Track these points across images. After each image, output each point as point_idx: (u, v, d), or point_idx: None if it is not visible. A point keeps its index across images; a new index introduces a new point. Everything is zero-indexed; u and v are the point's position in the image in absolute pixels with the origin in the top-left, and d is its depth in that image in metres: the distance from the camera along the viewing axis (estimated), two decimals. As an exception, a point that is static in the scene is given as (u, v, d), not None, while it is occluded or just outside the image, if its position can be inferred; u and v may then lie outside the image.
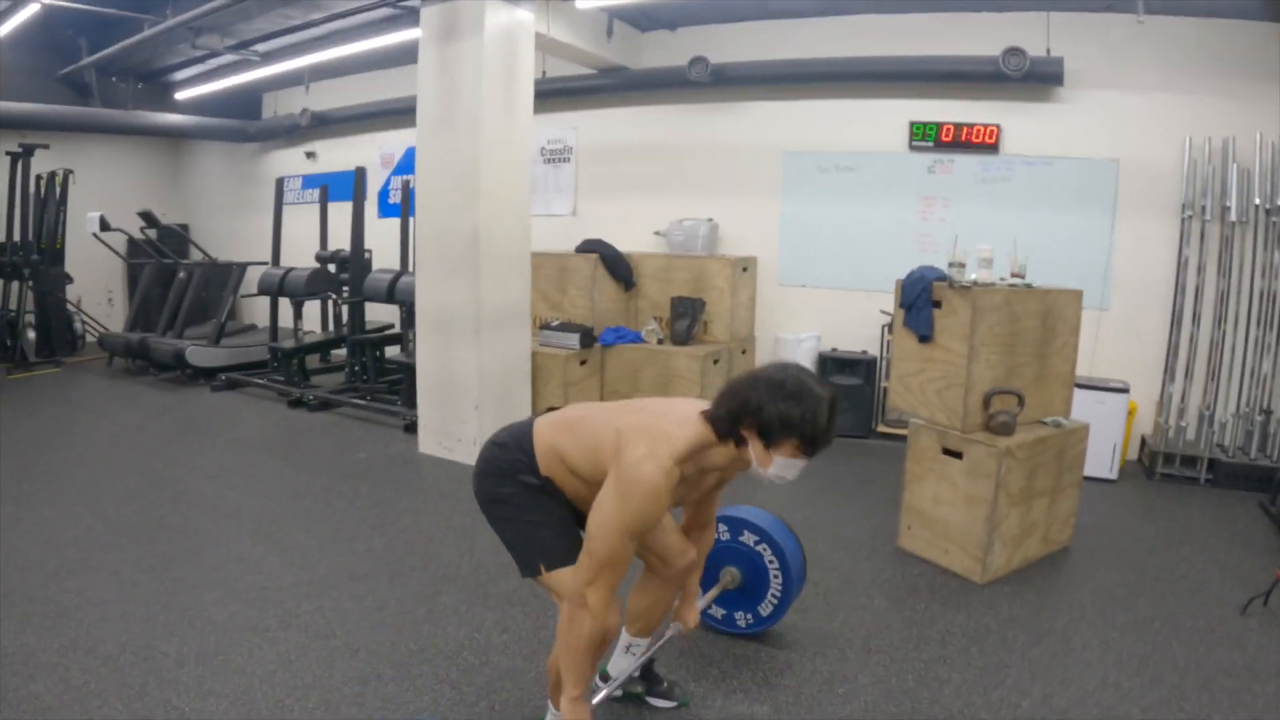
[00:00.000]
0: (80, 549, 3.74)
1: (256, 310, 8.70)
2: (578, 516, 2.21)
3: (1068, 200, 5.62)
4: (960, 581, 3.68)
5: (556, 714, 2.34)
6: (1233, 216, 5.18)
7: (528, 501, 2.18)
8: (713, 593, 2.98)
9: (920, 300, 3.89)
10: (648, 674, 2.70)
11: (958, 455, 3.74)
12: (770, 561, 2.99)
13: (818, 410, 1.91)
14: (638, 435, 1.98)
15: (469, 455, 5.14)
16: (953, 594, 3.57)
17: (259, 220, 8.67)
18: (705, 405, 2.07)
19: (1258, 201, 5.12)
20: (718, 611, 3.12)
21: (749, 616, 3.08)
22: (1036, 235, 5.14)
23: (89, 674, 2.73)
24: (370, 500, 4.50)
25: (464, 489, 4.59)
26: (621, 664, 2.64)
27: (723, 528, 2.97)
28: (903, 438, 5.99)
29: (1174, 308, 5.42)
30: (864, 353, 6.18)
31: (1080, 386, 4.37)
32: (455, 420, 5.24)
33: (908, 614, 3.38)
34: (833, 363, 6.11)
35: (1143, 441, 5.52)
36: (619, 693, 2.69)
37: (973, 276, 3.79)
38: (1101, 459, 4.99)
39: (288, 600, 3.30)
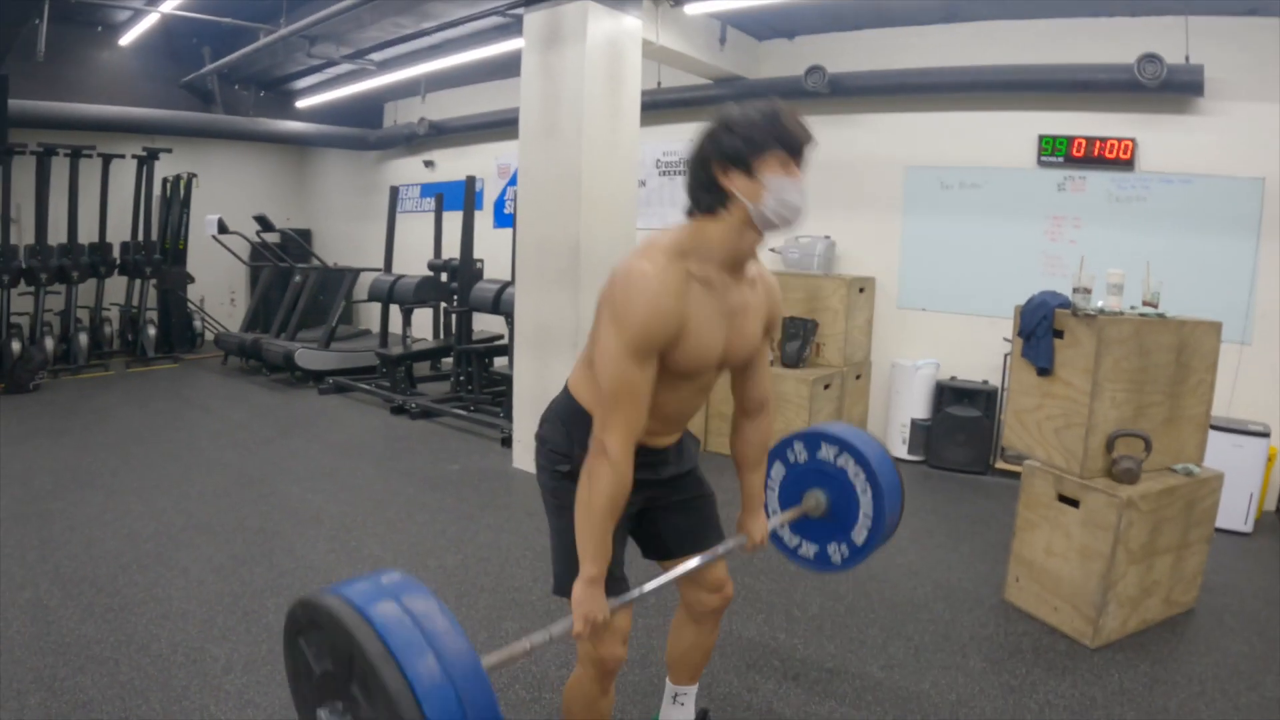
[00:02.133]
0: (157, 544, 3.80)
1: (372, 316, 8.89)
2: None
3: (1208, 222, 4.98)
4: (1068, 644, 3.22)
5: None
6: None
7: (565, 502, 1.84)
8: (790, 514, 2.52)
9: (1040, 329, 3.46)
10: (703, 720, 2.42)
11: (1074, 503, 3.29)
12: (855, 475, 2.47)
13: (769, 109, 1.67)
14: (619, 264, 1.72)
15: (563, 471, 5.00)
16: (1058, 658, 3.12)
17: (378, 227, 8.88)
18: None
19: None
20: (808, 550, 2.63)
21: (844, 549, 2.55)
22: (1173, 260, 4.57)
23: (136, 671, 2.72)
24: (454, 514, 4.40)
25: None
26: (673, 715, 2.37)
27: (799, 446, 2.52)
28: (1017, 474, 5.49)
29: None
30: (984, 383, 5.69)
31: (1216, 429, 3.81)
32: (550, 437, 5.08)
33: (1006, 678, 2.98)
34: (950, 392, 5.65)
35: (1281, 493, 4.80)
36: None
37: (1100, 304, 3.34)
38: (1235, 509, 4.38)
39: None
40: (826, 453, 2.52)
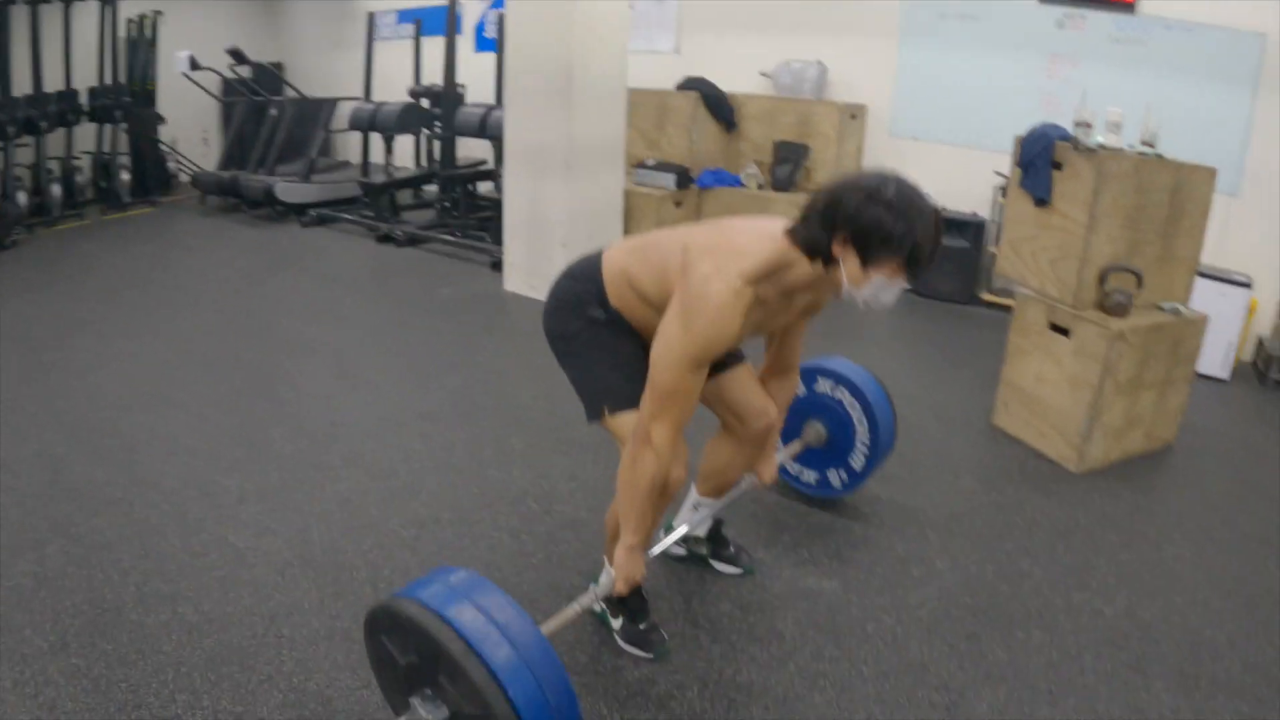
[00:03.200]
0: (156, 384, 3.64)
1: (351, 146, 8.45)
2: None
3: (1206, 72, 4.70)
4: (1054, 468, 3.29)
5: (610, 571, 2.15)
6: None
7: (593, 338, 1.94)
8: (794, 447, 2.68)
9: (1040, 160, 3.33)
10: (715, 536, 2.46)
11: (1065, 332, 3.27)
12: (851, 406, 2.64)
13: (923, 223, 1.55)
14: (706, 252, 1.68)
15: (553, 293, 4.93)
16: (1044, 481, 3.19)
17: (353, 56, 8.25)
18: (789, 222, 1.70)
19: None
20: (810, 476, 2.82)
21: (843, 474, 2.74)
22: (1168, 106, 4.27)
23: (151, 508, 2.62)
24: (450, 338, 4.31)
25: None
26: (691, 519, 2.42)
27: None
28: (1008, 308, 5.50)
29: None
30: (974, 214, 5.53)
31: (1201, 275, 3.72)
32: (542, 258, 4.96)
33: (995, 497, 3.04)
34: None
35: (1259, 343, 4.84)
36: (683, 551, 2.48)
37: (1100, 139, 3.20)
38: (1214, 356, 4.39)
39: (355, 438, 3.16)
40: (823, 386, 2.69)
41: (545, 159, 4.80)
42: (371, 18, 7.35)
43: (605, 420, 1.94)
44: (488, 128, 6.09)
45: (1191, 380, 3.51)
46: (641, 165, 5.60)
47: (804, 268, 1.66)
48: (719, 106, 5.89)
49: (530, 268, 5.06)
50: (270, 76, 7.77)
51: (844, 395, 2.65)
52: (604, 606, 2.15)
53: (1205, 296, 3.91)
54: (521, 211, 5.04)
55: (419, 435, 3.21)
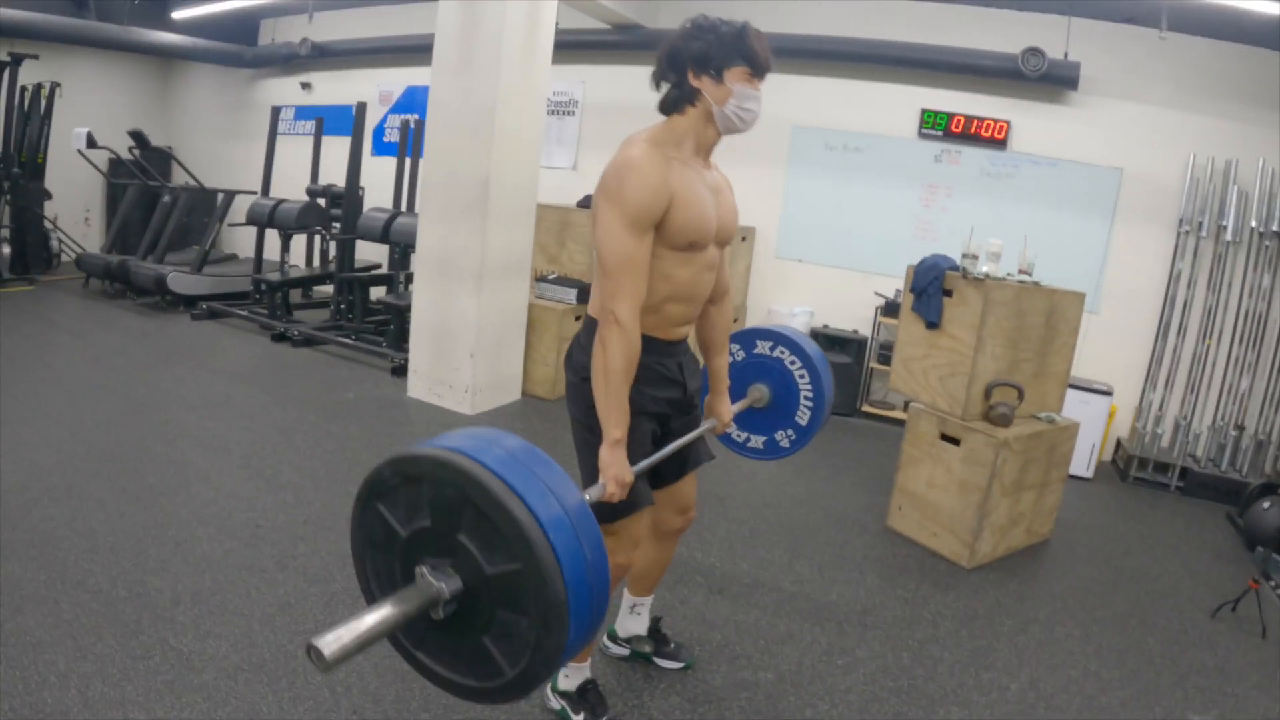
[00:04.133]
0: (63, 475, 3.56)
1: (236, 240, 8.39)
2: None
3: (1069, 203, 5.62)
4: (948, 565, 3.70)
5: (572, 665, 2.30)
6: (1228, 236, 5.25)
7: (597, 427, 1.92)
8: (740, 404, 2.72)
9: (932, 287, 3.85)
10: (656, 634, 2.67)
11: (955, 442, 3.74)
12: (791, 363, 2.73)
13: (740, 28, 1.91)
14: (606, 166, 1.88)
15: (460, 403, 5.05)
16: (941, 576, 3.59)
17: (245, 148, 8.36)
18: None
19: (1254, 224, 5.19)
20: (757, 441, 2.86)
21: (790, 433, 2.80)
22: (1035, 234, 5.10)
23: (80, 608, 2.58)
24: (361, 443, 4.37)
25: None
26: (630, 625, 2.60)
27: (735, 347, 2.73)
28: (887, 419, 6.05)
29: (1161, 318, 5.49)
30: (855, 332, 6.17)
31: (1069, 386, 4.38)
32: (448, 367, 5.13)
33: (899, 592, 3.39)
34: (824, 339, 6.08)
35: (1118, 444, 5.60)
36: (626, 651, 2.66)
37: (985, 269, 3.75)
38: (1080, 457, 5.04)
39: (283, 540, 3.18)
40: (762, 348, 2.75)
41: (457, 268, 5.02)
42: (276, 112, 7.47)
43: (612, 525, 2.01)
44: (392, 233, 6.26)
45: (1065, 480, 4.04)
46: (543, 279, 5.86)
47: (685, 123, 1.95)
48: (618, 225, 6.29)
49: (435, 376, 5.20)
50: (161, 161, 7.69)
51: (784, 354, 2.73)
52: (564, 705, 2.28)
53: (1071, 404, 4.53)
54: (429, 319, 5.20)
55: (346, 540, 3.21)
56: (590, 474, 1.98)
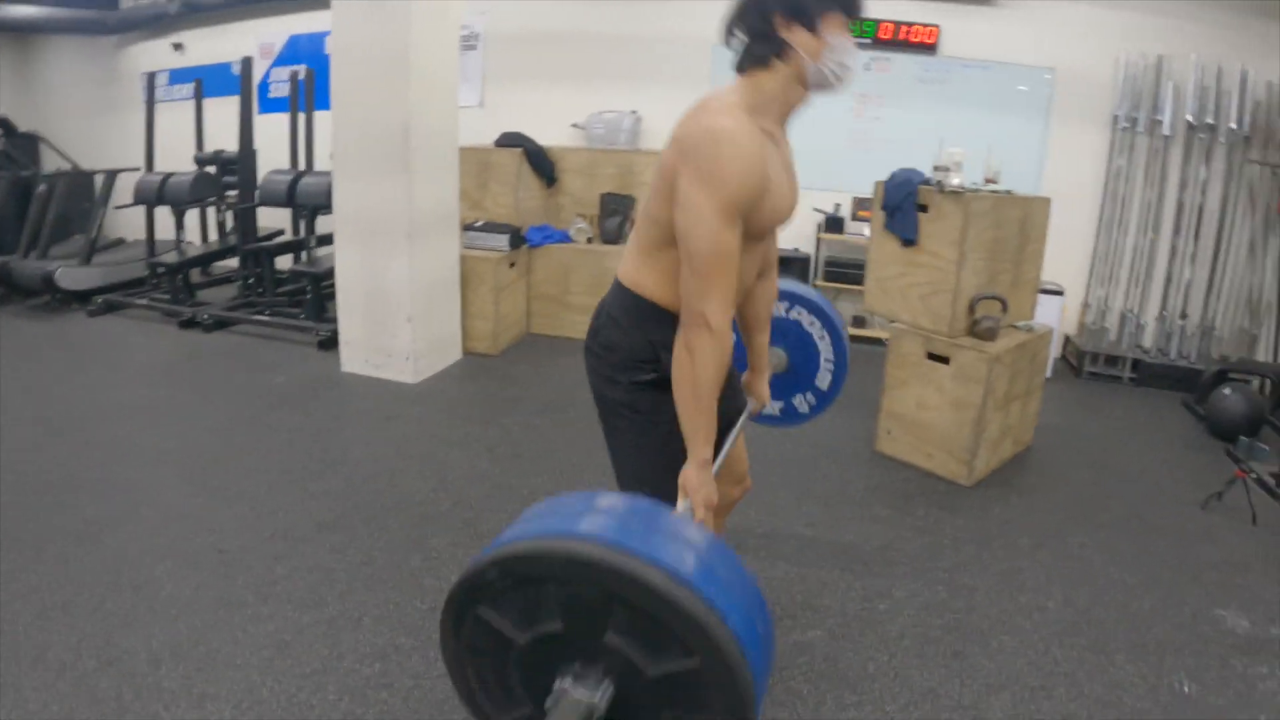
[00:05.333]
0: None
1: (120, 223, 7.44)
2: None
3: (1004, 105, 5.44)
4: (948, 485, 3.57)
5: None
6: (1164, 130, 5.19)
7: (648, 411, 1.68)
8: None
9: (906, 203, 3.62)
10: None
11: (944, 360, 3.56)
12: (811, 324, 2.50)
13: None
14: (689, 124, 1.53)
15: (402, 372, 4.62)
16: (945, 498, 3.46)
17: (118, 122, 7.39)
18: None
19: (1188, 118, 5.14)
20: (774, 407, 2.63)
21: (810, 398, 2.60)
22: (971, 138, 4.86)
23: (46, 690, 2.09)
24: (309, 432, 3.88)
25: (410, 410, 4.13)
26: None
27: None
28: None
29: (1102, 215, 5.44)
30: (796, 250, 5.91)
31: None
32: (385, 334, 4.65)
33: (911, 521, 3.25)
34: (763, 263, 5.81)
35: (1066, 340, 5.60)
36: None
37: (956, 181, 3.53)
38: None
39: (255, 563, 2.74)
40: (778, 309, 2.47)
41: (385, 227, 4.51)
42: (151, 78, 6.55)
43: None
44: (298, 195, 5.61)
45: (1044, 387, 3.94)
46: (470, 227, 5.37)
47: (772, 82, 1.59)
48: (540, 162, 5.85)
49: (372, 345, 4.72)
50: (30, 148, 6.66)
51: (802, 315, 2.51)
52: None
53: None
54: (356, 285, 4.68)
55: (327, 550, 2.85)
56: (628, 459, 1.76)
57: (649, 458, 1.70)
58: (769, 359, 2.25)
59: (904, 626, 2.54)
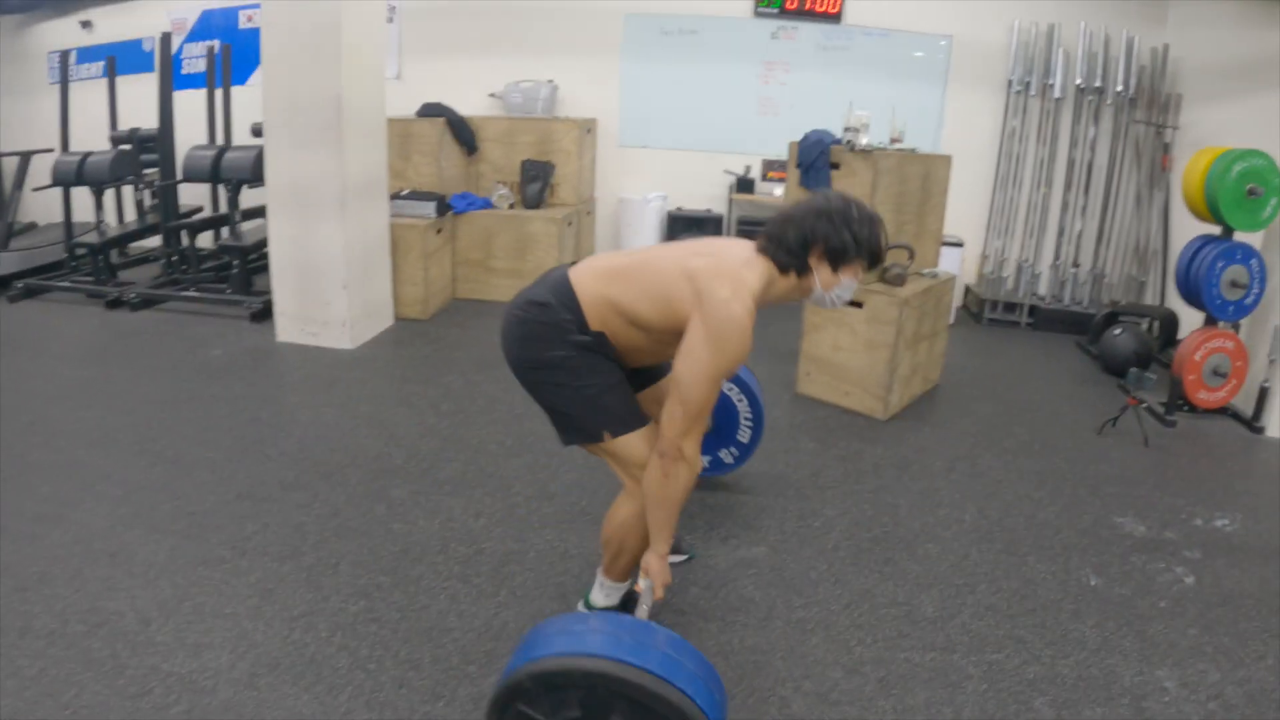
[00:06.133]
0: None
1: (31, 207, 7.06)
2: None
3: (904, 71, 5.75)
4: (866, 420, 3.85)
5: (611, 585, 2.21)
6: (1055, 94, 5.58)
7: (584, 365, 1.96)
8: None
9: (820, 162, 3.85)
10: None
11: (858, 305, 3.82)
12: (729, 389, 2.89)
13: (877, 228, 1.93)
14: (715, 277, 1.82)
15: (339, 339, 4.66)
16: (864, 430, 3.74)
17: (22, 104, 6.98)
18: (753, 244, 1.95)
19: (1078, 81, 5.53)
20: (703, 461, 2.88)
21: (733, 451, 3.02)
22: (873, 102, 5.15)
23: (39, 657, 2.09)
24: (255, 400, 3.88)
25: (350, 374, 4.20)
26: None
27: None
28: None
29: (998, 172, 5.82)
30: (708, 211, 6.13)
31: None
32: (319, 303, 4.66)
33: (835, 451, 3.51)
34: (680, 221, 6.03)
35: (966, 290, 5.98)
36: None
37: (865, 140, 3.77)
38: None
39: (226, 523, 2.78)
40: None
41: (317, 197, 4.50)
42: (65, 56, 6.23)
43: (605, 444, 1.99)
44: (223, 170, 5.48)
45: (949, 329, 4.26)
46: (396, 196, 5.37)
47: (785, 285, 1.94)
48: (462, 130, 5.91)
49: (306, 314, 4.72)
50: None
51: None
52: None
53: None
54: (289, 256, 4.67)
55: (294, 506, 2.93)
56: (561, 403, 2.02)
57: (576, 398, 1.99)
58: None
59: (838, 540, 2.79)
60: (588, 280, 1.96)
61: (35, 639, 2.17)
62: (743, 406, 2.93)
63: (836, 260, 1.88)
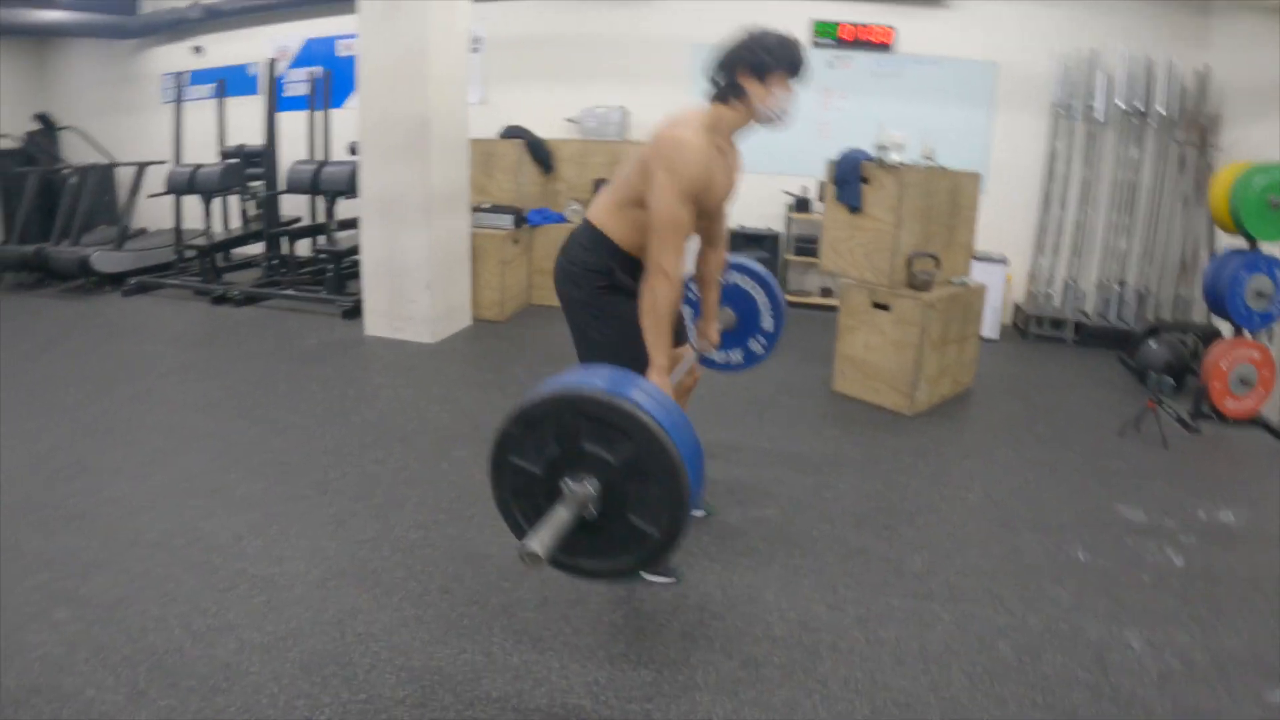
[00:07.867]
0: (67, 454, 3.36)
1: (142, 214, 7.93)
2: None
3: (953, 96, 6.05)
4: (892, 415, 4.12)
5: None
6: (1098, 116, 5.79)
7: (622, 306, 2.29)
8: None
9: (851, 177, 4.17)
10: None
11: (886, 308, 4.11)
12: (748, 284, 3.13)
13: (790, 39, 2.24)
14: (664, 129, 2.17)
15: (421, 334, 5.18)
16: (889, 423, 4.01)
17: (138, 121, 7.89)
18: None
19: (1120, 104, 5.73)
20: (737, 356, 3.26)
21: (761, 340, 3.23)
22: (925, 126, 5.48)
23: (147, 561, 2.55)
24: (342, 379, 4.41)
25: (429, 363, 4.70)
26: None
27: (693, 287, 2.90)
28: (808, 305, 6.45)
29: (1044, 193, 6.04)
30: (769, 229, 6.49)
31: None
32: (405, 301, 5.20)
33: (857, 438, 3.80)
34: (741, 238, 6.38)
35: (1016, 308, 6.19)
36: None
37: (896, 157, 4.07)
38: (986, 320, 5.46)
39: (312, 470, 3.27)
40: (726, 277, 3.04)
41: (405, 206, 5.06)
42: (179, 79, 7.06)
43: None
44: (321, 182, 6.13)
45: (979, 335, 4.52)
46: (479, 209, 5.91)
47: (731, 115, 2.26)
48: (539, 151, 6.44)
49: (393, 312, 5.26)
50: (51, 143, 7.13)
51: (737, 278, 3.13)
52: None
53: (975, 274, 4.92)
54: (381, 259, 5.23)
55: (371, 460, 3.39)
56: (586, 343, 2.37)
57: (600, 337, 2.35)
58: (720, 317, 2.94)
59: (844, 507, 3.09)
60: (601, 218, 2.35)
61: (142, 548, 2.63)
62: (761, 296, 3.15)
63: (760, 73, 2.18)
